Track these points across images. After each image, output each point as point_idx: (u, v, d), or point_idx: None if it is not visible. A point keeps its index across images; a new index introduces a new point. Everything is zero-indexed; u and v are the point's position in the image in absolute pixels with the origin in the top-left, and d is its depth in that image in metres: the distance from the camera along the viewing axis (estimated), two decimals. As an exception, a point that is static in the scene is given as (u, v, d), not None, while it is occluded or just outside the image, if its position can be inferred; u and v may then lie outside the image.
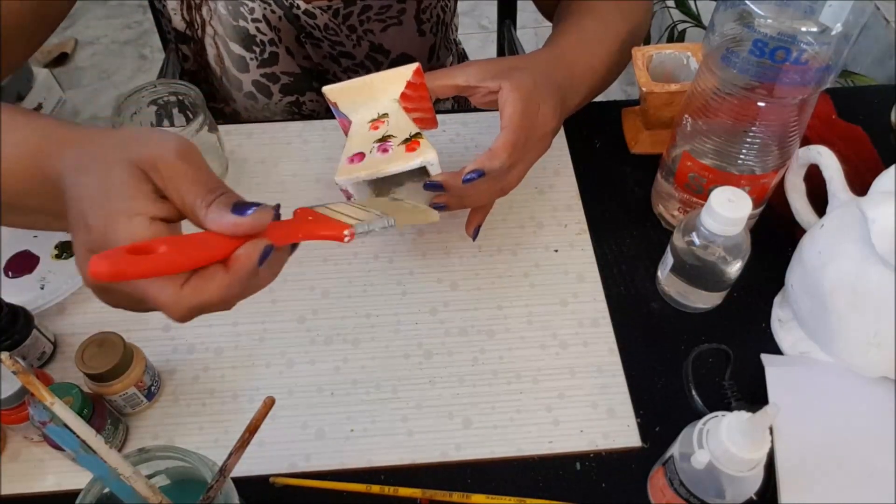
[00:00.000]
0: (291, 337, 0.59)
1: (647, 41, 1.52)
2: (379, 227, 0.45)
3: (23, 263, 0.62)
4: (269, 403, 0.43)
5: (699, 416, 0.46)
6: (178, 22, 0.80)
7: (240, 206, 0.38)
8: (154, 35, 0.89)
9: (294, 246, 0.43)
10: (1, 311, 0.52)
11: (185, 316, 0.38)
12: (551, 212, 0.67)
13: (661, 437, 0.54)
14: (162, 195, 0.39)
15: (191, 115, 0.66)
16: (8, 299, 0.54)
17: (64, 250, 0.63)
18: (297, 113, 0.84)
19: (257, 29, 0.75)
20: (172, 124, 0.67)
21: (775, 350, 0.59)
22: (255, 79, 0.80)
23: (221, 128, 0.68)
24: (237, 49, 0.77)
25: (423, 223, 0.57)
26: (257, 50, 0.77)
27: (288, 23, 0.75)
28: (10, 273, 0.62)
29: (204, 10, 0.76)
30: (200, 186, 0.39)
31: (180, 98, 0.65)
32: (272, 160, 0.71)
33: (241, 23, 0.75)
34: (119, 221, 0.37)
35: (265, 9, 0.73)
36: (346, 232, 0.42)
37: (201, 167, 0.40)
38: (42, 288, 0.61)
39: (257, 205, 0.38)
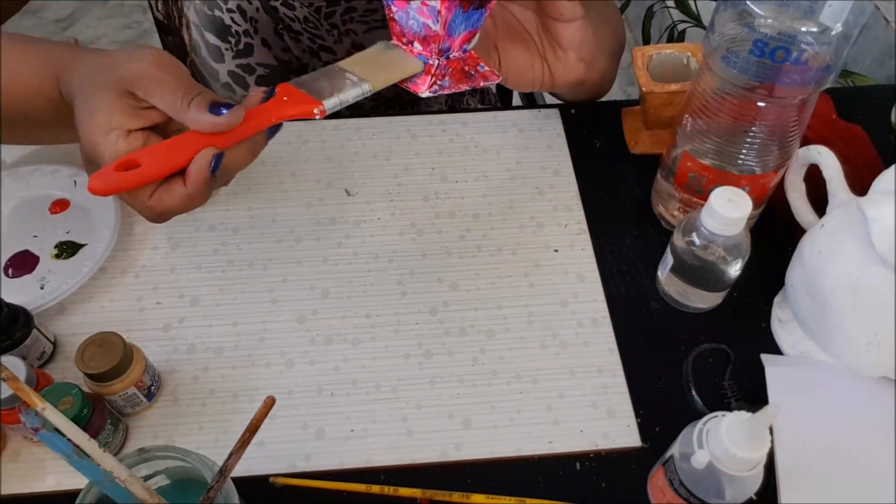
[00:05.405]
0: (291, 337, 0.59)
1: (646, 41, 1.52)
2: (352, 97, 0.46)
3: (23, 263, 0.62)
4: (270, 403, 0.43)
5: (699, 416, 0.46)
6: (157, 14, 0.80)
7: (215, 106, 0.44)
8: (154, 35, 0.89)
9: (277, 127, 0.47)
10: (1, 311, 0.52)
11: (156, 219, 0.47)
12: (551, 212, 0.67)
13: (661, 437, 0.54)
14: (146, 106, 0.45)
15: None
16: (8, 299, 0.54)
17: (64, 250, 0.63)
18: None
19: (232, 19, 0.74)
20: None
21: (775, 350, 0.59)
22: (230, 69, 0.79)
23: (221, 128, 0.68)
24: (212, 39, 0.77)
25: (408, 75, 0.52)
26: (232, 41, 0.76)
27: (265, 14, 0.74)
28: (10, 273, 0.62)
29: (179, 0, 0.76)
30: (179, 90, 0.44)
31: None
32: (272, 160, 0.71)
33: (216, 13, 0.74)
34: (98, 137, 0.44)
35: None
36: (316, 110, 0.45)
37: (178, 74, 0.46)
38: (42, 288, 0.61)
39: (230, 105, 0.44)
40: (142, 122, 0.45)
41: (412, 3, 0.48)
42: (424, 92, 0.51)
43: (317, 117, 0.45)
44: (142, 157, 0.43)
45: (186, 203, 0.45)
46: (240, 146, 0.45)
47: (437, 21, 0.48)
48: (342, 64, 0.49)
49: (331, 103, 0.45)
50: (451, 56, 0.51)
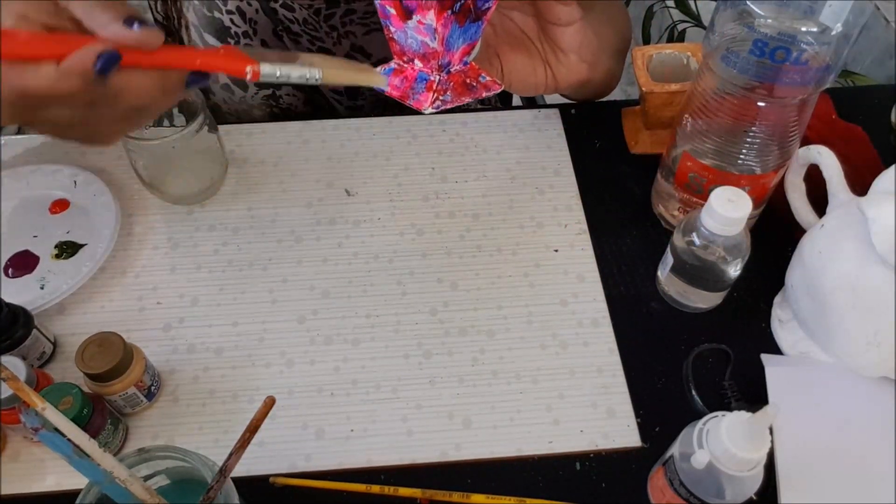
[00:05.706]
0: (291, 337, 0.59)
1: (646, 41, 1.52)
2: (296, 75, 0.42)
3: (23, 263, 0.62)
4: (270, 403, 0.44)
5: (699, 416, 0.46)
6: (156, 15, 0.80)
7: (131, 20, 0.38)
8: (154, 35, 0.89)
9: (202, 75, 0.41)
10: (1, 311, 0.52)
11: (9, 98, 0.38)
12: (551, 212, 0.67)
13: (661, 437, 0.54)
14: (65, 16, 0.39)
15: (190, 116, 0.66)
16: (8, 299, 0.54)
17: (64, 250, 0.63)
18: (276, 106, 0.83)
19: (231, 21, 0.74)
20: (172, 124, 0.67)
21: (775, 350, 0.59)
22: None
23: (221, 128, 0.68)
24: (211, 40, 0.76)
25: (364, 84, 0.49)
26: (231, 42, 0.76)
27: (265, 15, 0.74)
28: (10, 273, 0.62)
29: (179, 1, 0.76)
30: (106, 5, 0.38)
31: (180, 98, 0.65)
32: (272, 160, 0.71)
33: (216, 14, 0.74)
34: None
35: (240, 0, 0.72)
36: (249, 68, 0.41)
37: None
38: (42, 288, 0.61)
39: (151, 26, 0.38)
40: (45, 18, 0.38)
41: (409, 22, 0.48)
42: (427, 108, 0.51)
43: (248, 77, 0.41)
44: (18, 32, 0.37)
45: (51, 89, 0.38)
46: (147, 74, 0.40)
47: (435, 38, 0.48)
48: (304, 54, 0.46)
49: (267, 69, 0.41)
50: (451, 70, 0.51)
